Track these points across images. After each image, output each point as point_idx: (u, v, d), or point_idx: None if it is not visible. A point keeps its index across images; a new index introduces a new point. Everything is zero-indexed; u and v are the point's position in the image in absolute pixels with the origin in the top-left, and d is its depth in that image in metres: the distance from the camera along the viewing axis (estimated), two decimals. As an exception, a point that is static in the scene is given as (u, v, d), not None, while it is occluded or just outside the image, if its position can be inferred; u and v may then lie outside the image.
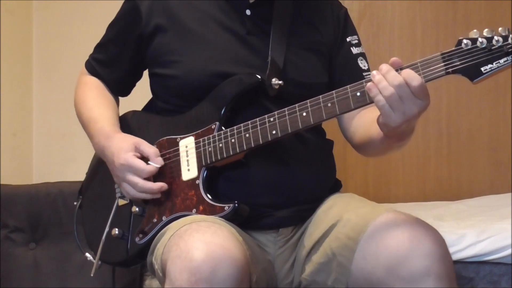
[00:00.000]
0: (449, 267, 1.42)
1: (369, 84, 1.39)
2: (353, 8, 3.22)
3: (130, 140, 1.61)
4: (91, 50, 1.82)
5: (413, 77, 1.36)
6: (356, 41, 1.75)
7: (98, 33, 1.81)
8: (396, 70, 1.38)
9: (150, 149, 1.60)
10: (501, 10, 3.08)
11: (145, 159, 1.59)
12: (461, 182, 3.23)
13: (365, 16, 3.25)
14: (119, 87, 1.81)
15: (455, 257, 2.18)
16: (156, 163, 1.58)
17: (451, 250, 2.13)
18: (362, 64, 1.73)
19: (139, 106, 1.80)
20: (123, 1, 1.75)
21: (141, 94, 1.81)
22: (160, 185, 1.57)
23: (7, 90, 2.77)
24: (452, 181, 3.24)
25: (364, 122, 1.65)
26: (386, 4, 3.25)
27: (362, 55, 1.74)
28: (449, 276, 1.41)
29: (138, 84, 1.82)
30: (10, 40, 2.79)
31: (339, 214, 1.57)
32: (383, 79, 1.37)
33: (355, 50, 1.73)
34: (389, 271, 1.41)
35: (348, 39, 1.74)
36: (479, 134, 3.23)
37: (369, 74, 1.41)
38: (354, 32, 1.76)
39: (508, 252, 2.18)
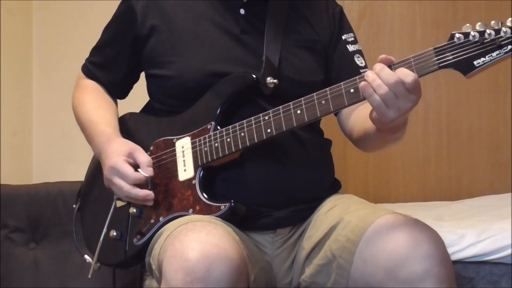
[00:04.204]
0: (449, 269, 1.41)
1: (362, 83, 1.38)
2: (353, 8, 3.22)
3: (127, 145, 1.61)
4: (91, 51, 1.83)
5: (407, 74, 1.35)
6: (352, 39, 1.74)
7: (98, 33, 1.81)
8: (389, 67, 1.37)
9: (143, 158, 1.59)
10: (501, 10, 3.07)
11: (137, 166, 1.59)
12: (461, 182, 3.22)
13: (365, 16, 3.24)
14: (117, 90, 1.81)
15: (455, 257, 2.17)
16: (145, 172, 1.57)
17: (451, 250, 2.14)
18: (359, 61, 1.72)
19: (137, 109, 1.81)
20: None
21: (139, 97, 1.80)
22: (146, 193, 1.56)
23: (7, 90, 2.77)
24: (452, 181, 3.23)
25: (361, 117, 1.65)
26: (386, 4, 3.25)
27: (359, 52, 1.74)
28: (449, 278, 1.40)
29: (136, 86, 1.82)
30: (10, 40, 2.79)
31: (339, 216, 1.57)
32: (377, 77, 1.37)
33: (351, 48, 1.73)
34: (388, 273, 1.41)
35: (343, 37, 1.74)
36: (479, 134, 3.22)
37: (366, 71, 1.41)
38: (350, 30, 1.76)
39: (508, 252, 2.18)
